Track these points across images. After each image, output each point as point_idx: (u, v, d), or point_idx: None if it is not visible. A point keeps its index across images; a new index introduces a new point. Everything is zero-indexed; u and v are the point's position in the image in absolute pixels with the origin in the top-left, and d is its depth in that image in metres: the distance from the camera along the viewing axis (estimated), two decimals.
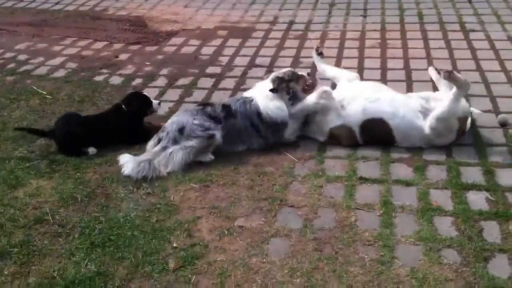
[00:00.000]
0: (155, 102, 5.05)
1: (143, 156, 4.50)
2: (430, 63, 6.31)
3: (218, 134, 4.54)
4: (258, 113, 4.67)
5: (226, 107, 4.70)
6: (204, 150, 4.54)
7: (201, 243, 3.66)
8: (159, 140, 4.58)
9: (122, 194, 4.19)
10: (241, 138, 4.70)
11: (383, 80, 5.98)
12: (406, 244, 3.57)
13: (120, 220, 3.89)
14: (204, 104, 4.93)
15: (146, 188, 4.25)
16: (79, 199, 4.13)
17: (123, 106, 4.91)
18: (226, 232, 3.75)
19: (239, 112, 4.68)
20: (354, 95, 4.76)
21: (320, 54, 5.34)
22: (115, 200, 4.13)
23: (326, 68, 5.37)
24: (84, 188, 4.26)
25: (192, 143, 4.47)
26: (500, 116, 4.94)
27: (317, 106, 4.71)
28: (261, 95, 4.74)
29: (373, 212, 3.89)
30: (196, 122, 4.53)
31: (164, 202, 4.09)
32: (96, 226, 3.84)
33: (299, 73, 4.97)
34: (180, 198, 4.14)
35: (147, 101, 5.00)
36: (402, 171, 4.35)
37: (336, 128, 4.71)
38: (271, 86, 4.74)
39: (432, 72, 4.98)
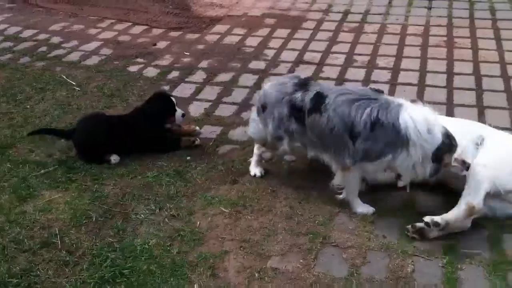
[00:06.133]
0: (179, 112, 4.38)
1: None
2: (503, 69, 5.53)
3: (285, 143, 3.78)
4: (374, 123, 3.33)
5: (318, 96, 3.55)
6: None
7: (226, 287, 3.11)
8: None
9: (142, 215, 3.67)
10: (322, 139, 3.59)
11: (449, 87, 5.24)
12: None
13: (137, 249, 3.38)
14: (301, 82, 3.72)
15: (170, 209, 3.72)
16: (94, 219, 3.63)
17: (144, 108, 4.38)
18: (256, 274, 3.18)
19: (336, 111, 3.43)
20: None
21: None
22: (134, 222, 3.62)
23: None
24: (101, 205, 3.75)
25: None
26: None
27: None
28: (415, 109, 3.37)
29: (434, 261, 3.24)
30: (276, 113, 3.70)
31: (189, 229, 3.55)
32: (109, 254, 3.33)
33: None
34: (207, 225, 3.59)
35: (169, 105, 4.35)
36: None
37: None
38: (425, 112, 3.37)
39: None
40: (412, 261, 3.24)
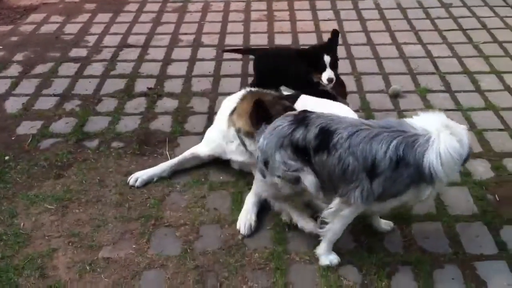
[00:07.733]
0: (326, 74, 3.99)
1: None
2: (319, 38, 5.88)
3: (306, 179, 2.99)
4: (398, 161, 2.78)
5: (323, 133, 2.91)
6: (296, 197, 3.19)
7: (57, 285, 2.97)
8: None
9: None
10: (332, 180, 2.96)
11: None
12: (301, 264, 3.09)
13: None
14: (298, 118, 3.02)
15: None
16: None
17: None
18: (88, 267, 3.07)
19: (351, 150, 2.82)
20: None
21: None
22: None
23: None
24: None
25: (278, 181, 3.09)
26: (392, 87, 4.82)
27: None
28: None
29: (263, 226, 3.36)
30: (278, 158, 3.01)
31: (12, 232, 3.32)
32: None
33: None
34: (32, 225, 3.38)
35: (313, 61, 4.05)
36: None
37: None
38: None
39: None
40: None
